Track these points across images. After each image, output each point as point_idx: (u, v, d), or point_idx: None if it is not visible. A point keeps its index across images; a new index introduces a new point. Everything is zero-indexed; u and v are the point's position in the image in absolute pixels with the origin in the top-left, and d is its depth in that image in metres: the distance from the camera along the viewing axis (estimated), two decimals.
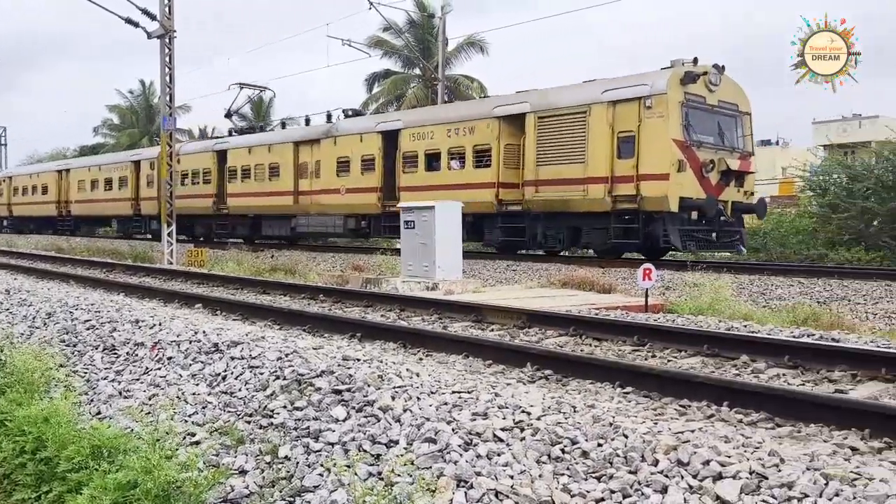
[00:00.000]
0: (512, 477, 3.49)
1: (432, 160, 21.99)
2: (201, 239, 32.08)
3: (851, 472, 3.27)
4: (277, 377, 5.00)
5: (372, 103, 40.72)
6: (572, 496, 3.33)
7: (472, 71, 42.50)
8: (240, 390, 5.03)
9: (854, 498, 3.01)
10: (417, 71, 40.23)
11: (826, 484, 3.13)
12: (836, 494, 3.05)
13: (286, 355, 5.35)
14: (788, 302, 11.57)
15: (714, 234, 17.68)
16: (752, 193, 18.67)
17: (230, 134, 31.95)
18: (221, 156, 30.31)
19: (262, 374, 5.13)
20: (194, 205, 31.32)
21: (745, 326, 8.54)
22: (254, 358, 5.46)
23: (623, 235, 17.76)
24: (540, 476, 3.49)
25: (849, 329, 9.01)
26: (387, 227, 23.41)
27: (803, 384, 6.03)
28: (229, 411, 4.79)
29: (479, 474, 3.52)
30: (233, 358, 5.59)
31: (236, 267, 17.59)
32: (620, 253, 18.46)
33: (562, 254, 20.25)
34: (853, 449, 4.13)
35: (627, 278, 13.74)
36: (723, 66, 17.67)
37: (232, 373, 5.36)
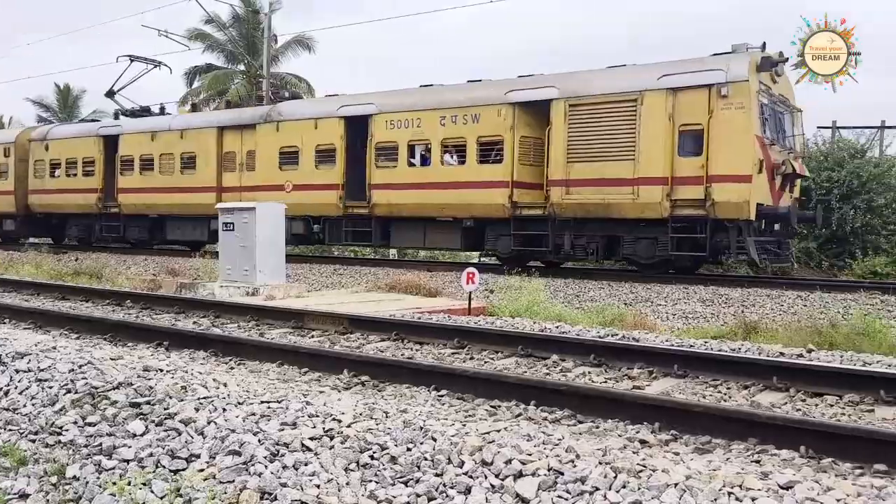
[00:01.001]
0: (318, 486, 3.42)
1: (419, 153, 18.43)
2: (76, 243, 26.35)
3: (638, 464, 3.47)
4: (69, 391, 4.66)
5: (192, 98, 36.80)
6: (378, 502, 3.31)
7: (300, 70, 41.87)
8: (24, 406, 4.58)
9: (639, 489, 3.20)
10: (242, 67, 38.00)
11: (615, 477, 3.30)
12: (624, 486, 3.23)
13: (80, 367, 5.01)
14: (599, 303, 12.18)
15: (779, 245, 15.48)
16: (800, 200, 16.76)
17: (116, 116, 26.47)
18: (110, 142, 24.83)
19: (51, 387, 4.74)
20: (69, 201, 25.67)
21: (557, 327, 8.95)
22: (43, 370, 5.04)
23: (678, 246, 15.16)
24: (347, 484, 3.46)
25: (650, 328, 9.61)
26: (350, 232, 19.54)
27: (605, 381, 6.39)
28: (11, 430, 4.35)
29: (284, 485, 3.41)
30: (18, 371, 5.09)
31: (34, 270, 16.35)
32: (667, 268, 15.80)
33: (567, 265, 17.38)
34: (643, 442, 4.47)
35: (454, 282, 13.79)
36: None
37: (16, 387, 4.86)
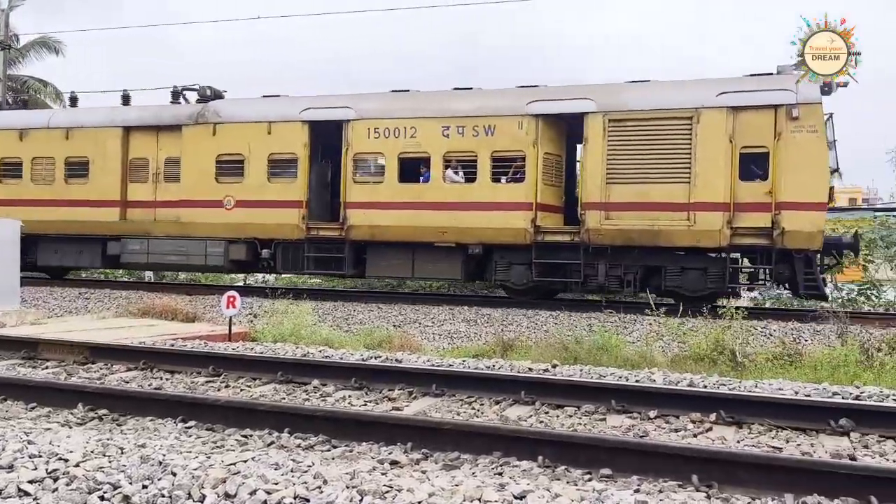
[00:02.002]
0: None
1: (413, 167, 15.78)
2: None
3: (385, 485, 3.61)
4: None
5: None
6: None
7: (46, 74, 37.04)
8: None
9: None
10: None
11: (361, 499, 3.42)
12: None
13: None
14: (368, 326, 12.54)
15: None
16: None
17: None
18: None
19: None
20: None
21: (321, 352, 9.02)
22: None
23: (732, 278, 13.94)
24: None
25: (416, 349, 9.85)
26: (313, 258, 16.36)
27: (365, 404, 6.51)
28: None
29: None
30: None
31: None
32: (714, 299, 14.47)
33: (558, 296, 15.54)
34: (394, 462, 4.60)
35: (216, 306, 13.44)
36: None
37: None
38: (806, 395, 6.89)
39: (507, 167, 15.09)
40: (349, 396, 6.79)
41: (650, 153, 14.09)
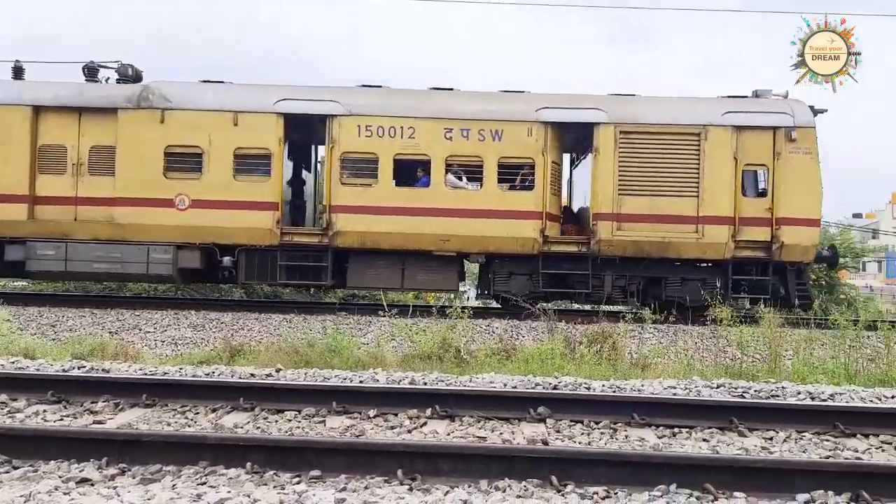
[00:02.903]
0: None
1: (412, 171, 14.63)
2: None
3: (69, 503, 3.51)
4: None
5: None
6: None
7: None
8: None
9: None
10: None
11: None
12: None
13: None
14: (79, 333, 11.91)
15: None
16: None
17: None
18: None
19: None
20: None
21: (14, 363, 8.47)
22: None
23: (735, 287, 14.61)
24: None
25: (134, 358, 9.66)
26: (287, 267, 14.60)
27: (62, 419, 6.27)
28: None
29: None
30: None
31: None
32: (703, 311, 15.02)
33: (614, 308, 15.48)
34: (84, 480, 4.47)
35: None
36: None
37: None
38: (513, 387, 7.53)
39: (515, 174, 14.58)
40: (44, 411, 6.40)
41: (660, 166, 14.37)
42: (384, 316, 11.54)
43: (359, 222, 14.37)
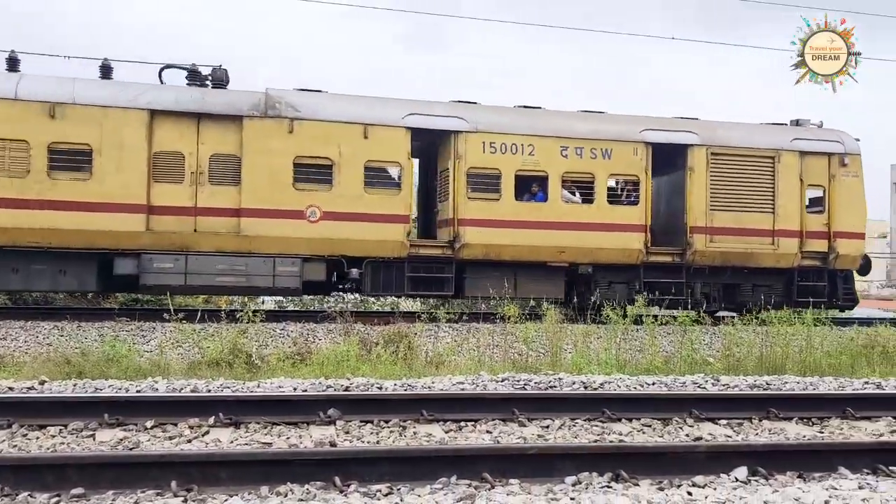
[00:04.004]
0: None
1: (530, 186, 15.37)
2: None
3: None
4: None
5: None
6: None
7: None
8: None
9: None
10: None
11: None
12: None
13: None
14: None
15: None
16: None
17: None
18: None
19: None
20: None
21: None
22: None
23: (799, 293, 16.68)
24: None
25: None
26: (412, 279, 14.90)
27: None
28: None
29: None
30: None
31: None
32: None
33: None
34: None
35: None
36: None
37: None
38: (303, 391, 7.50)
39: (622, 190, 15.78)
40: None
41: (743, 185, 16.18)
42: (170, 321, 10.91)
43: (484, 235, 14.94)
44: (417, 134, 14.89)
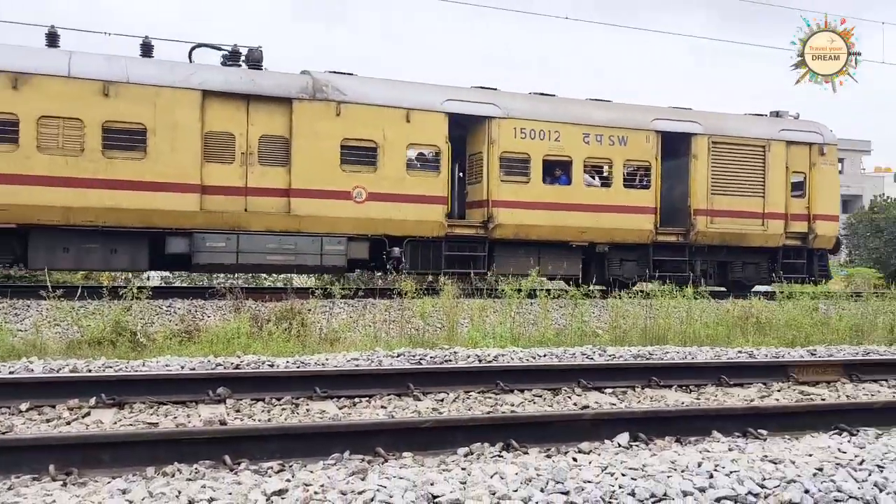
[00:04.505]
0: None
1: (554, 170, 16.31)
2: None
3: None
4: None
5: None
6: None
7: None
8: None
9: None
10: None
11: None
12: None
13: None
14: None
15: None
16: None
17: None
18: None
19: None
20: None
21: None
22: None
23: (783, 269, 18.36)
24: None
25: None
26: (448, 257, 15.67)
27: None
28: None
29: None
30: None
31: None
32: (748, 287, 18.64)
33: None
34: None
35: None
36: None
37: None
38: (191, 369, 7.28)
39: (635, 174, 16.97)
40: None
41: (739, 171, 17.68)
42: (47, 298, 10.48)
43: (515, 216, 15.84)
44: (457, 119, 15.58)
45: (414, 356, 8.49)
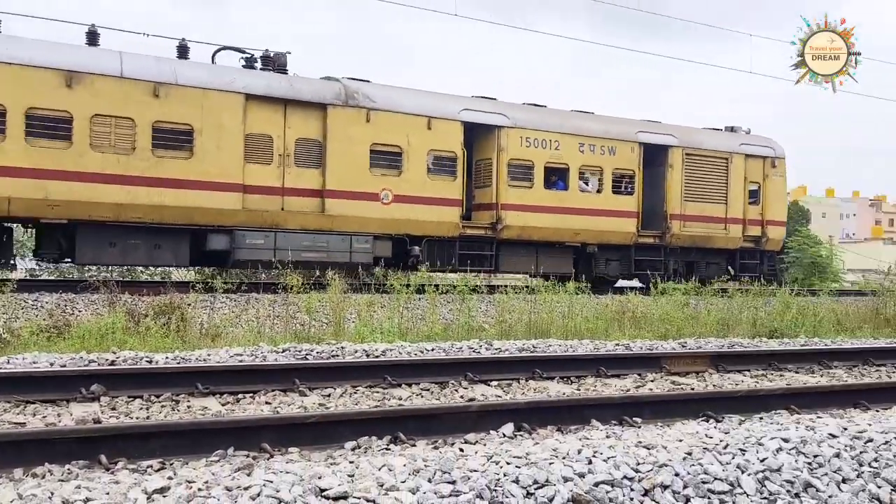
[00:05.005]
0: None
1: (554, 176, 17.75)
2: None
3: None
4: None
5: None
6: None
7: None
8: None
9: None
10: None
11: None
12: None
13: None
14: None
15: None
16: None
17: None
18: None
19: None
20: None
21: None
22: None
23: (741, 269, 20.54)
24: None
25: None
26: (461, 255, 16.89)
27: None
28: None
29: None
30: None
31: None
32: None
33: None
34: None
35: None
36: None
37: None
38: (61, 366, 7.02)
39: (621, 182, 18.66)
40: None
41: (706, 180, 19.71)
42: None
43: (520, 218, 17.21)
44: (471, 128, 16.77)
45: (300, 351, 8.41)
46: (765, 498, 3.95)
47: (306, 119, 15.17)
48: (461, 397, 6.96)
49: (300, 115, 15.12)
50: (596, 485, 3.81)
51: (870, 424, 5.08)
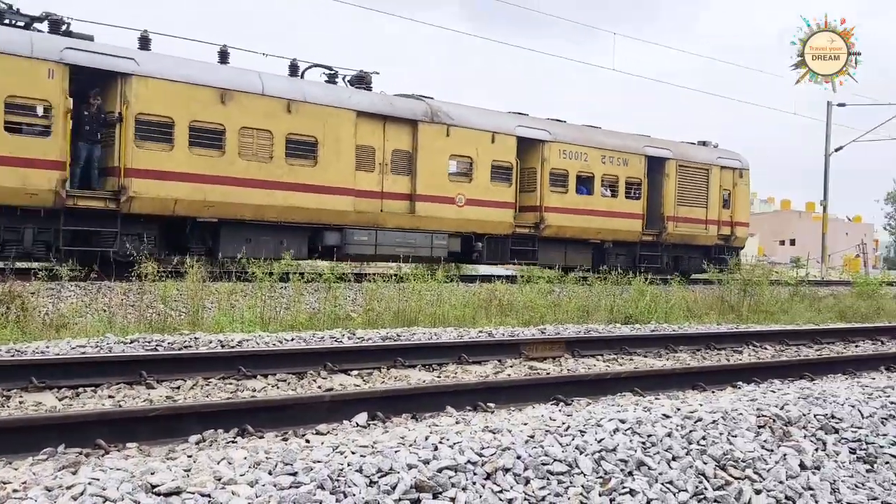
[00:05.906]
0: None
1: (583, 183, 20.88)
2: None
3: None
4: None
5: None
6: None
7: None
8: None
9: None
10: None
11: None
12: None
13: None
14: None
15: None
16: None
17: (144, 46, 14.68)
18: (109, 83, 13.82)
19: None
20: None
21: None
22: None
23: (714, 262, 24.40)
24: None
25: None
26: (517, 251, 19.81)
27: None
28: None
29: None
30: None
31: None
32: (688, 275, 24.56)
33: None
34: None
35: None
36: None
37: None
38: None
39: (631, 188, 22.06)
40: None
41: (692, 188, 23.45)
42: None
43: (559, 219, 20.27)
44: (522, 142, 19.64)
45: (150, 342, 8.16)
46: (600, 477, 3.98)
47: (400, 133, 17.60)
48: (319, 387, 6.85)
49: (395, 130, 17.53)
50: (440, 470, 3.75)
51: (701, 405, 5.17)
